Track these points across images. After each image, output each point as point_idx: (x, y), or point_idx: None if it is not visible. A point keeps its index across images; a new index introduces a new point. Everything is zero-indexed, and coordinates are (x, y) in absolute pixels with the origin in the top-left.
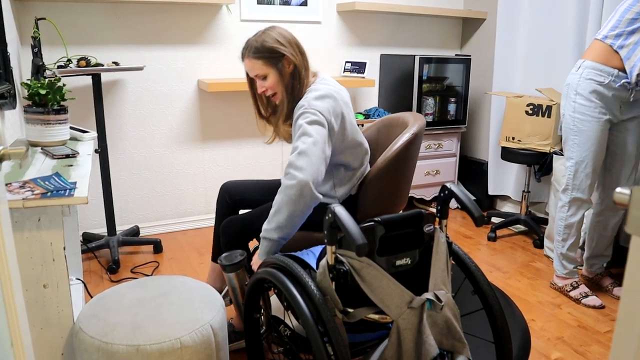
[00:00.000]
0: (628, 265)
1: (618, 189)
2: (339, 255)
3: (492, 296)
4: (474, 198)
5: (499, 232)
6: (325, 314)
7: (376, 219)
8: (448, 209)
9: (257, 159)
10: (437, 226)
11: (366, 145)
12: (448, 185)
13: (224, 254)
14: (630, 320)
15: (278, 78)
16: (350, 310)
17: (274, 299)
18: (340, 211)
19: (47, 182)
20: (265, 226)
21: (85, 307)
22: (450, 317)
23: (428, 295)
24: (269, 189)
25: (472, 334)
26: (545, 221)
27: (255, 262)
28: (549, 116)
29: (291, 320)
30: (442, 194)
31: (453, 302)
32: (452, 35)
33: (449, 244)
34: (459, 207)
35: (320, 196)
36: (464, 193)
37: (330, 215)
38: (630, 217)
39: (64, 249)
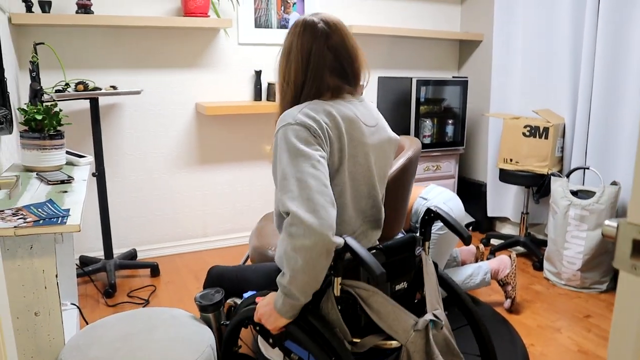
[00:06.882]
0: (617, 302)
1: (607, 221)
2: (344, 286)
3: (477, 312)
4: (473, 220)
5: (498, 254)
6: (342, 350)
7: (378, 246)
8: (431, 230)
9: (255, 182)
10: (422, 248)
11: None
12: (433, 207)
13: (199, 294)
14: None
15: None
16: (357, 340)
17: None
18: (353, 242)
19: (40, 210)
20: (284, 283)
21: (72, 338)
22: (448, 335)
23: (429, 315)
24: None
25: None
26: (544, 243)
27: None
28: (546, 137)
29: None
30: (426, 217)
31: (447, 320)
32: (449, 57)
33: (435, 265)
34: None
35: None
36: (450, 215)
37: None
38: (617, 252)
39: (56, 276)
